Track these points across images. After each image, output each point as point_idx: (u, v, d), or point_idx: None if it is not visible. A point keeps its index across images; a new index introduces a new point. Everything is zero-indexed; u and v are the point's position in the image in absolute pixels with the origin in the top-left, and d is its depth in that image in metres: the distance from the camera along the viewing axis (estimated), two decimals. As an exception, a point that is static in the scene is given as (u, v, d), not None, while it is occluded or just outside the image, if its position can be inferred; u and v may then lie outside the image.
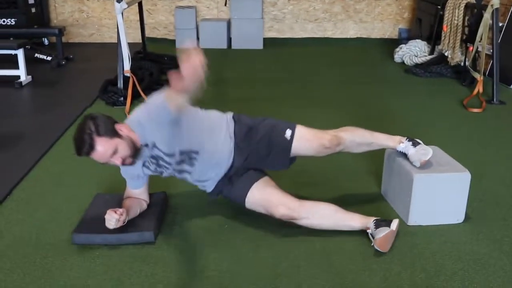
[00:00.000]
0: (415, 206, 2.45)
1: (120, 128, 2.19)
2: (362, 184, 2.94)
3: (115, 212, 2.24)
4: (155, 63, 5.52)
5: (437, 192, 2.45)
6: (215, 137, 2.37)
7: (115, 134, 2.15)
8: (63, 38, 6.21)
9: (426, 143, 2.60)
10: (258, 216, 2.53)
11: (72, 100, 4.59)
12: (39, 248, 2.28)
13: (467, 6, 5.15)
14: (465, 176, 2.46)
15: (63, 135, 3.66)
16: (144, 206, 2.50)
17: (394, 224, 2.31)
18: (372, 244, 2.27)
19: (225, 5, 6.85)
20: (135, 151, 2.20)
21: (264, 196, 2.37)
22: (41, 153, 3.30)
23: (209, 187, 2.48)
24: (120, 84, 4.51)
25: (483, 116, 4.24)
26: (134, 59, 5.36)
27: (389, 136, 2.61)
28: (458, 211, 2.51)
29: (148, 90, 4.18)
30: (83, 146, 2.11)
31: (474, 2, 5.13)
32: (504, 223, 2.53)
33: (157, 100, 2.17)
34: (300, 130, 2.46)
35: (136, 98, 4.32)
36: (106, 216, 2.24)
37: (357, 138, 2.52)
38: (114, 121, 2.21)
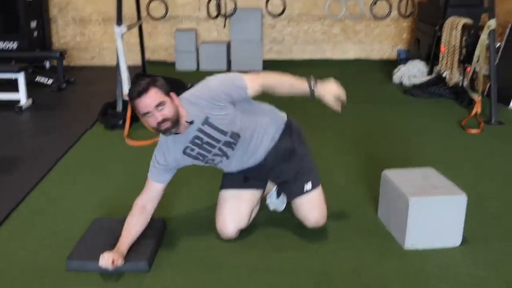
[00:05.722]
0: (411, 229, 2.45)
1: (173, 96, 2.31)
2: (359, 207, 2.92)
3: (112, 263, 2.20)
4: (155, 86, 5.55)
5: (433, 215, 2.45)
6: (262, 130, 2.49)
7: (168, 94, 2.28)
8: (64, 61, 6.26)
9: (423, 164, 2.62)
10: (255, 240, 2.54)
11: (72, 123, 4.61)
12: (35, 275, 2.28)
13: (464, 27, 5.19)
14: (461, 199, 2.46)
15: (63, 158, 3.67)
16: (148, 219, 2.45)
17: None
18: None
19: (224, 27, 6.91)
20: (176, 120, 2.28)
21: (219, 209, 2.60)
22: (40, 176, 3.31)
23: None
24: (119, 107, 4.55)
25: (481, 137, 4.25)
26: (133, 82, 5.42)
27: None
28: (455, 233, 2.50)
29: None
30: (138, 87, 2.23)
31: (471, 23, 5.19)
32: (502, 245, 2.52)
33: (235, 80, 2.37)
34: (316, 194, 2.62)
35: (135, 122, 4.31)
36: (101, 263, 2.20)
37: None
38: (170, 88, 2.35)
